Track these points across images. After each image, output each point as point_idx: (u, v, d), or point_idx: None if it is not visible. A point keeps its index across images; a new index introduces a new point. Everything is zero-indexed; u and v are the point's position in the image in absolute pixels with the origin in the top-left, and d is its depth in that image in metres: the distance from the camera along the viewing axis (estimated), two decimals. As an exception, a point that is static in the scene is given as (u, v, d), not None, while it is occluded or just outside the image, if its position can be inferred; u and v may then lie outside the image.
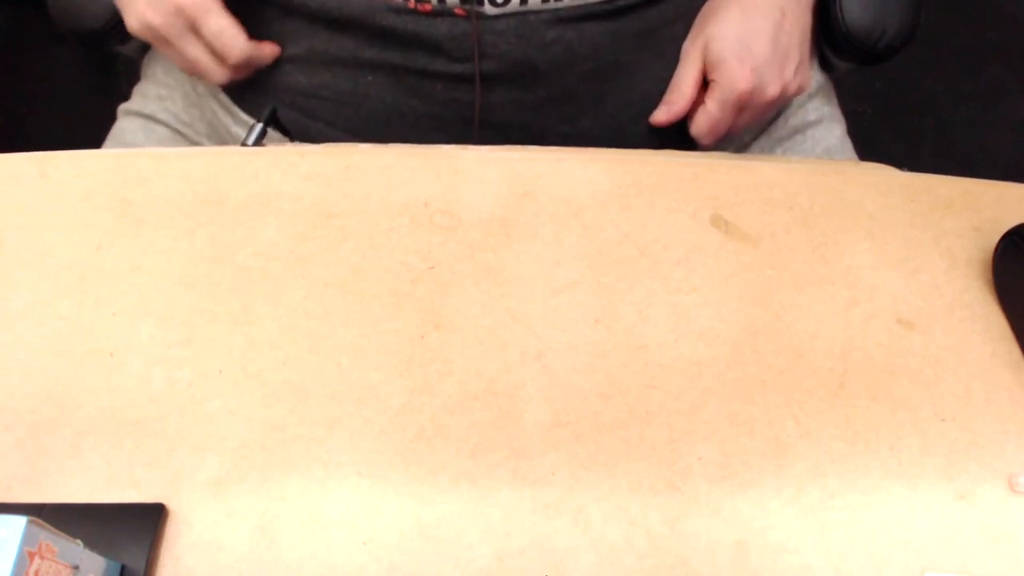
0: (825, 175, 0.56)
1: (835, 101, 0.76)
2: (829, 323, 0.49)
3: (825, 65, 0.76)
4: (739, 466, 0.44)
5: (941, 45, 1.53)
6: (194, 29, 0.60)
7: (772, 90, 0.62)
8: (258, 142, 0.61)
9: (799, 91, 0.65)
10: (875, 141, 1.46)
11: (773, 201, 0.54)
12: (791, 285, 0.51)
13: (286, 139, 0.65)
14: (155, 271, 0.49)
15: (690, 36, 0.65)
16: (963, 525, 0.43)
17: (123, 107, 0.74)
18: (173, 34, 0.60)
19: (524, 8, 0.59)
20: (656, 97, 0.66)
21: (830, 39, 0.72)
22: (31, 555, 0.31)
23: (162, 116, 0.72)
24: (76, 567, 0.35)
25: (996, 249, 0.51)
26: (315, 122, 0.66)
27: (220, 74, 0.63)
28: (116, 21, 0.65)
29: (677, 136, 0.66)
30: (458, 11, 0.58)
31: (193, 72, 0.64)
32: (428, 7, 0.58)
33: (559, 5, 0.59)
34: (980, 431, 0.46)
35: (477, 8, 0.58)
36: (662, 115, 0.65)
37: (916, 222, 0.54)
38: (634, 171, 0.55)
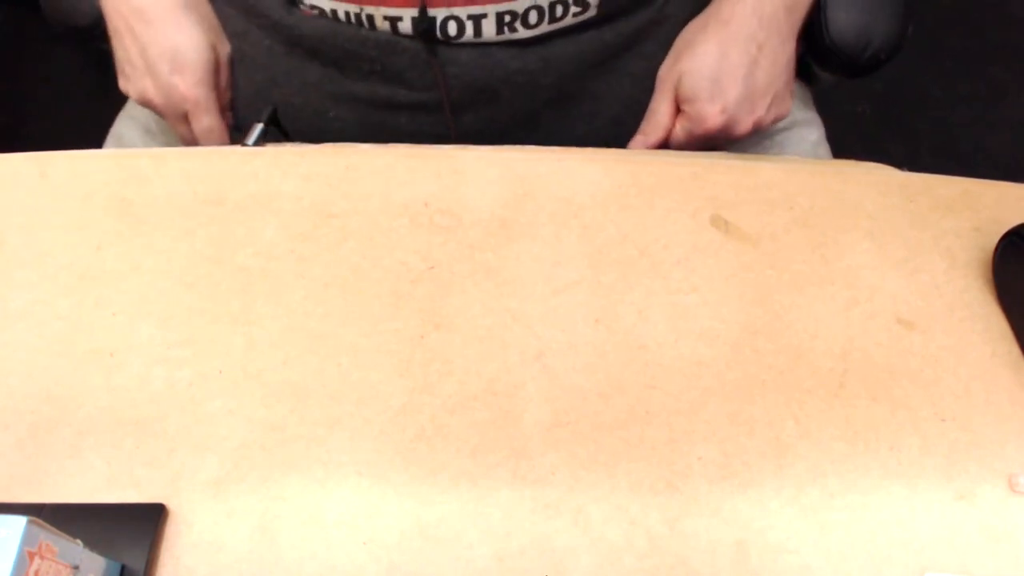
0: (825, 175, 0.56)
1: (812, 105, 0.75)
2: (829, 323, 0.49)
3: (810, 78, 0.75)
4: (739, 466, 0.44)
5: (940, 46, 1.53)
6: (186, 119, 0.63)
7: (743, 128, 0.61)
8: (258, 142, 0.61)
9: (775, 122, 0.64)
10: (875, 141, 1.47)
11: (773, 201, 0.54)
12: (791, 285, 0.51)
13: (286, 139, 0.65)
14: (155, 271, 0.49)
15: (666, 62, 0.64)
16: (963, 525, 0.43)
17: (124, 110, 0.75)
18: (168, 115, 0.63)
19: (481, 40, 0.59)
20: (628, 119, 0.65)
21: (814, 49, 0.72)
22: (31, 555, 0.31)
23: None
24: (76, 567, 0.35)
25: (996, 249, 0.51)
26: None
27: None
28: (103, 20, 0.66)
29: None
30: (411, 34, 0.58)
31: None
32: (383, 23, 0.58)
33: (515, 36, 0.59)
34: (980, 431, 0.46)
35: (435, 41, 0.58)
36: (638, 145, 0.65)
37: (916, 222, 0.54)
38: (634, 171, 0.55)
